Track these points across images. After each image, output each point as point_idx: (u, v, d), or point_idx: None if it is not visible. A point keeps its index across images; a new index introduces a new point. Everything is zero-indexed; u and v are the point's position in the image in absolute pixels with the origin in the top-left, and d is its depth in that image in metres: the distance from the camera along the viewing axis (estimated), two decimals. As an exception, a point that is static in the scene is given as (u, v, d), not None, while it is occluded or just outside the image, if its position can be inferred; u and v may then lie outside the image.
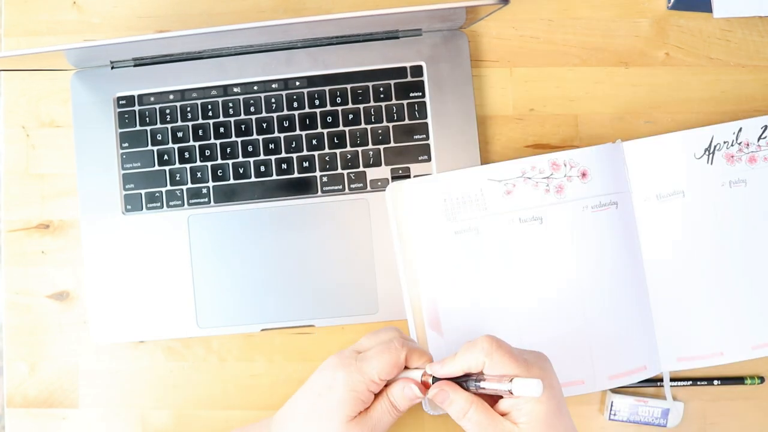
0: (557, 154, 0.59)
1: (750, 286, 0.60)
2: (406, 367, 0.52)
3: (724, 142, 0.60)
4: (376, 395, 0.51)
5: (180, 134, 0.62)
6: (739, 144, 0.60)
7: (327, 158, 0.62)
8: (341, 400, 0.49)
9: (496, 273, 0.59)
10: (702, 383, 0.61)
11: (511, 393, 0.45)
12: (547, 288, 0.59)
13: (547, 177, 0.59)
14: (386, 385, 0.52)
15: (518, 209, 0.59)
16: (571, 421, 0.49)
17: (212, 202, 0.62)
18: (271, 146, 0.62)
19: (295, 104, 0.62)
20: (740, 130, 0.60)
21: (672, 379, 0.61)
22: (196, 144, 0.62)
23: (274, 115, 0.62)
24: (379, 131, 0.62)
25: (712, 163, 0.60)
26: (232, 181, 0.62)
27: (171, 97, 0.62)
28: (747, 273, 0.60)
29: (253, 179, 0.62)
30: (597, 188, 0.59)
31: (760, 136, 0.60)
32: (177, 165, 0.62)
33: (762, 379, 0.61)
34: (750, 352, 0.60)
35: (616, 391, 0.61)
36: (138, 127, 0.62)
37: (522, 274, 0.59)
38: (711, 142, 0.60)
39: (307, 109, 0.62)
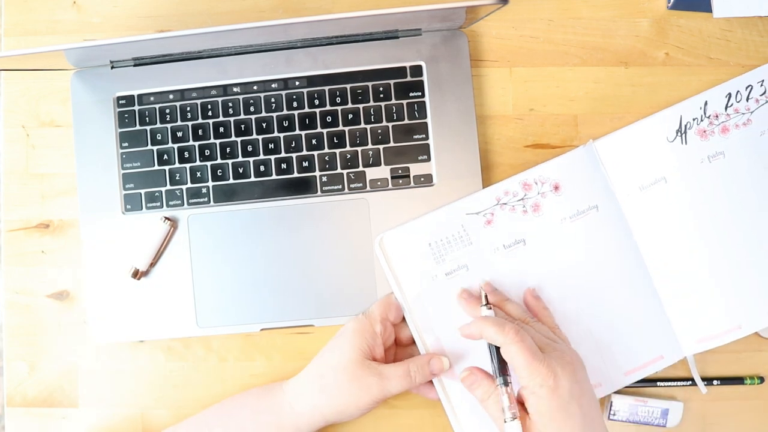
0: (526, 174, 0.60)
1: (751, 255, 0.59)
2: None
3: (693, 119, 0.59)
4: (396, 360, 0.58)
5: (180, 134, 0.62)
6: (708, 117, 0.59)
7: (327, 158, 0.62)
8: (349, 337, 0.57)
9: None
10: (702, 383, 0.61)
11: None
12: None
13: (521, 199, 0.59)
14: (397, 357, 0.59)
15: (501, 236, 0.59)
16: (582, 421, 0.50)
17: (212, 202, 0.62)
18: (271, 146, 0.62)
19: (295, 104, 0.62)
20: (706, 103, 0.59)
21: (672, 379, 0.61)
22: (196, 144, 0.62)
23: (274, 114, 0.62)
24: (379, 131, 0.61)
25: (686, 143, 0.59)
26: (231, 180, 0.62)
27: (171, 97, 0.62)
28: (745, 243, 0.59)
29: (252, 179, 0.62)
30: (573, 197, 0.59)
31: (727, 104, 0.59)
32: (177, 165, 0.62)
33: (762, 379, 0.61)
34: None
35: (615, 391, 0.61)
36: (138, 127, 0.62)
37: (518, 298, 0.59)
38: (680, 121, 0.59)
39: (306, 109, 0.62)
